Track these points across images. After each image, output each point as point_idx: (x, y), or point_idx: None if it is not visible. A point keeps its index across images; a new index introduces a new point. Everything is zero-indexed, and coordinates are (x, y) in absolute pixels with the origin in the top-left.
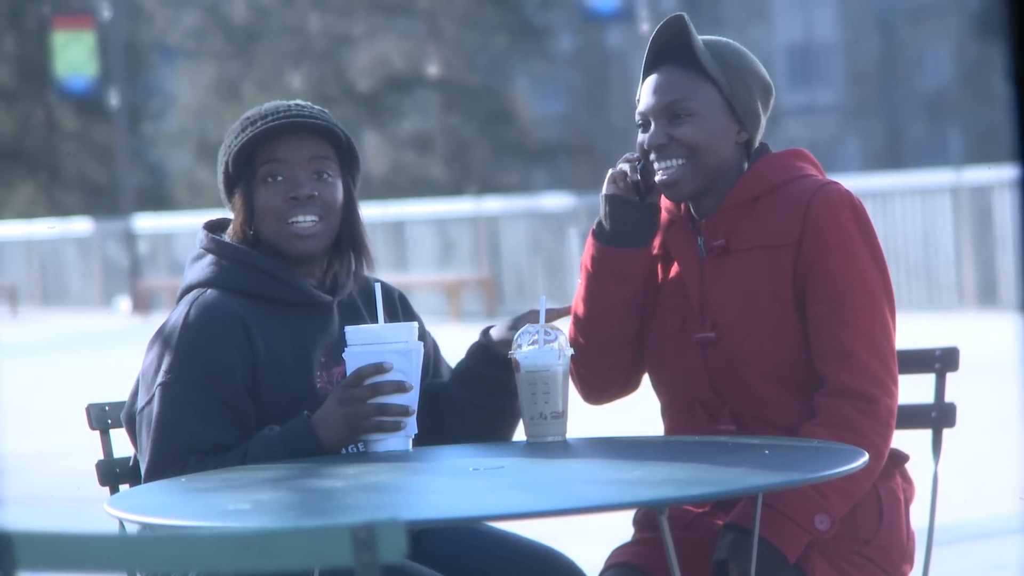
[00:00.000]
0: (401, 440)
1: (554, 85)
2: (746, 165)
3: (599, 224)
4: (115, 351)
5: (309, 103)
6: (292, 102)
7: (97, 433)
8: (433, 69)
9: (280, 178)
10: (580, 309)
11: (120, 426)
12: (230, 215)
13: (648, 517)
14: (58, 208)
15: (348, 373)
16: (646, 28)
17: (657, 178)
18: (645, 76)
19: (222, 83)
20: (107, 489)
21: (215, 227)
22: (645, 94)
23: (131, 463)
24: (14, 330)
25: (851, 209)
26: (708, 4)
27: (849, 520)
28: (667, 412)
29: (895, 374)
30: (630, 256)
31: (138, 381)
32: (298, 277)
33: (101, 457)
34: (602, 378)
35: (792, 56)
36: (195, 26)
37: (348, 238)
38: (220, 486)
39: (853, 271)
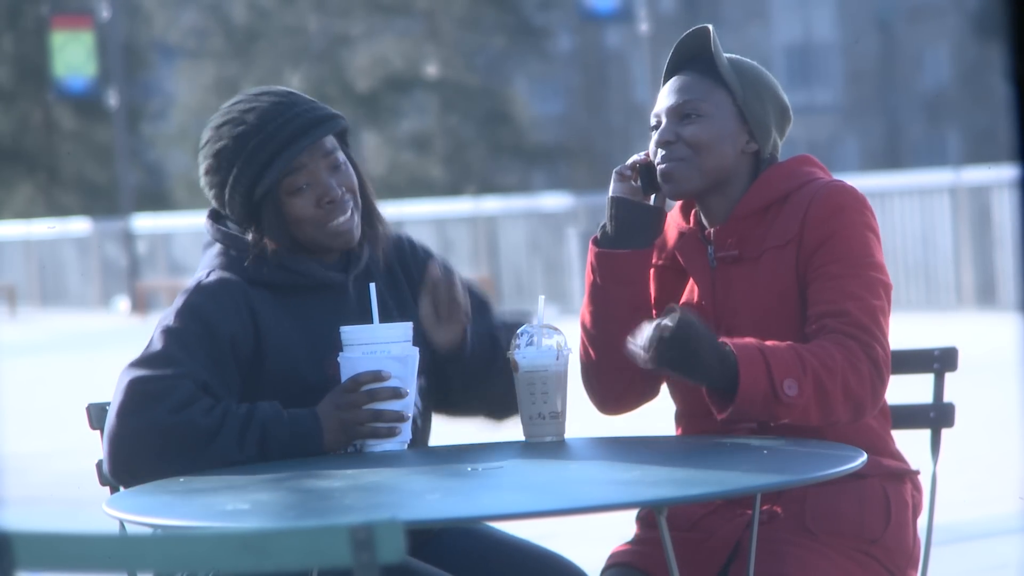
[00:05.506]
0: (396, 446)
1: (552, 85)
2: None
3: (602, 228)
4: (114, 351)
5: (286, 89)
6: (263, 98)
7: (97, 433)
8: (432, 69)
9: (306, 185)
10: (587, 319)
11: None
12: None
13: (650, 515)
14: (57, 208)
15: (343, 379)
16: (645, 28)
17: (659, 168)
18: (665, 81)
19: (221, 83)
20: (107, 489)
21: (218, 215)
22: (661, 96)
23: None
24: (13, 330)
25: (854, 200)
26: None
27: (856, 519)
28: (683, 417)
29: (886, 334)
30: (630, 257)
31: None
32: (304, 262)
33: (101, 457)
34: (615, 389)
35: (791, 56)
36: (194, 26)
37: (366, 207)
38: (219, 486)
39: (850, 249)
